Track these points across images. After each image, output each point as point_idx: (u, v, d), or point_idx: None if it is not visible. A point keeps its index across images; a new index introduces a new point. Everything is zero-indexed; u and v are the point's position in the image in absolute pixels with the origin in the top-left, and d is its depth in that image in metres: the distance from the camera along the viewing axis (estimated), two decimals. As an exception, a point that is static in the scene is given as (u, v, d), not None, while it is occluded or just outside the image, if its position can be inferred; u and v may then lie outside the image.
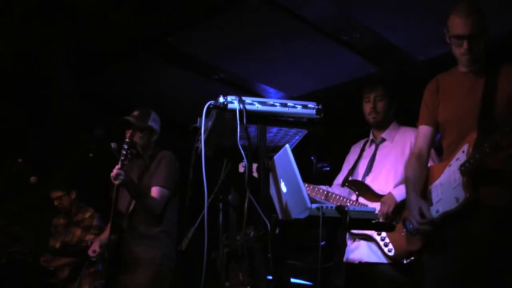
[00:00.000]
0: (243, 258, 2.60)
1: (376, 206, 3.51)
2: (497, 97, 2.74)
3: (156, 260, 3.79)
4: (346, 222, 2.36)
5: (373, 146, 3.83)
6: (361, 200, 3.62)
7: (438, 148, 3.23)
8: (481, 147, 2.58)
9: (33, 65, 5.35)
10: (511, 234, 2.63)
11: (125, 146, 3.73)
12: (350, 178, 3.81)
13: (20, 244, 5.40)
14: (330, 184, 4.00)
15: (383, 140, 3.79)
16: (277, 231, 2.45)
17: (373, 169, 3.73)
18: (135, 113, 4.04)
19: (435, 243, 2.79)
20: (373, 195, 3.59)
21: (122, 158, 3.67)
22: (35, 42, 5.00)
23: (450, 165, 2.76)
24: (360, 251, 3.57)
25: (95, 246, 3.99)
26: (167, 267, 3.86)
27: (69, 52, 5.20)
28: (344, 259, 3.71)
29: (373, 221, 2.51)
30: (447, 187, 2.74)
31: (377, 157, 3.76)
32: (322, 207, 2.34)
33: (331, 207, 2.37)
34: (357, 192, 3.66)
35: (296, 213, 2.44)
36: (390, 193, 3.52)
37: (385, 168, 3.68)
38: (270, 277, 2.45)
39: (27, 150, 5.86)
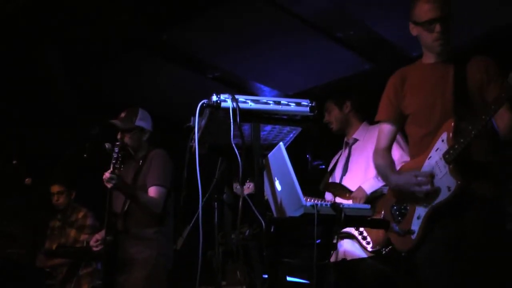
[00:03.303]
0: (238, 256, 2.59)
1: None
2: (468, 86, 2.73)
3: (152, 260, 3.78)
4: (341, 219, 2.36)
5: (347, 148, 3.92)
6: (338, 200, 3.66)
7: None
8: (465, 131, 2.55)
9: (27, 64, 5.33)
10: (498, 227, 2.65)
11: (116, 149, 3.71)
12: (328, 182, 3.89)
13: (16, 245, 5.39)
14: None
15: (356, 140, 3.88)
16: (272, 229, 2.45)
17: (349, 168, 3.81)
18: (122, 114, 4.01)
19: (428, 242, 2.72)
20: (349, 193, 3.63)
21: (114, 161, 3.65)
22: (28, 41, 4.98)
23: (430, 157, 2.72)
24: (344, 248, 3.62)
25: (97, 236, 3.96)
26: (163, 266, 3.85)
27: (64, 51, 5.19)
28: (332, 259, 3.72)
29: (369, 218, 2.51)
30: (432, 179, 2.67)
31: (351, 156, 3.85)
32: (317, 204, 2.34)
33: (326, 204, 2.37)
34: (334, 193, 3.70)
35: (291, 211, 2.44)
36: (359, 187, 3.58)
37: (360, 164, 3.75)
38: (266, 276, 2.45)
39: (22, 151, 5.84)
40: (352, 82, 5.46)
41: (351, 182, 3.70)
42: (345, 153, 3.92)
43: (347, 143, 3.94)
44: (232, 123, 2.41)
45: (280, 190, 2.54)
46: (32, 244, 5.60)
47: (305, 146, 5.35)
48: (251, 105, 2.49)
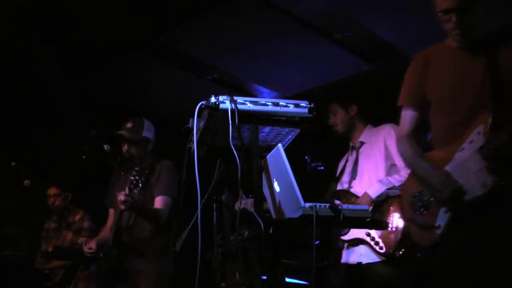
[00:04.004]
0: (237, 258, 2.59)
1: None
2: (502, 76, 2.60)
3: (156, 272, 3.79)
4: (339, 221, 2.36)
5: (354, 152, 3.90)
6: None
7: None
8: (507, 127, 2.42)
9: (27, 64, 5.34)
10: None
11: (135, 173, 3.66)
12: (336, 189, 3.88)
13: (16, 246, 5.39)
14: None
15: (362, 143, 3.86)
16: (271, 231, 2.45)
17: (357, 172, 3.79)
18: (129, 125, 4.00)
19: (451, 238, 2.57)
20: (356, 200, 3.63)
21: (131, 185, 3.62)
22: (28, 41, 4.99)
23: (463, 148, 2.56)
24: (358, 252, 3.61)
25: (92, 244, 3.97)
26: (166, 276, 3.87)
27: (64, 51, 5.19)
28: (344, 261, 3.73)
29: (367, 219, 2.51)
30: (463, 172, 2.52)
31: (359, 161, 3.82)
32: (315, 206, 2.34)
33: (325, 206, 2.37)
34: (342, 200, 3.70)
35: (290, 212, 2.44)
36: (365, 193, 3.56)
37: (368, 169, 3.73)
38: (265, 277, 2.45)
39: (22, 152, 5.84)
40: (352, 83, 5.47)
41: (361, 187, 3.69)
42: (352, 157, 3.90)
43: (353, 147, 3.92)
44: (230, 125, 2.41)
45: (279, 192, 2.54)
46: (31, 246, 5.59)
47: (303, 147, 5.35)
48: (249, 106, 2.49)
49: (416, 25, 4.63)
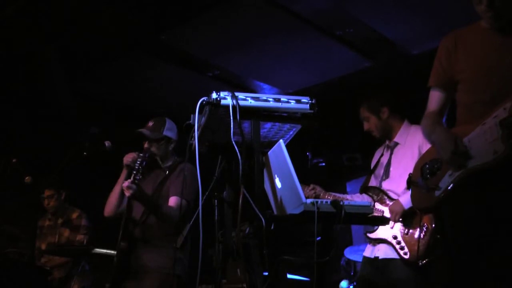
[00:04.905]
0: (238, 254, 2.59)
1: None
2: None
3: (165, 269, 3.76)
4: (341, 217, 2.35)
5: (389, 151, 3.84)
6: (377, 205, 3.62)
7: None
8: None
9: (27, 64, 5.34)
10: None
11: (139, 161, 3.68)
12: (368, 185, 3.84)
13: (18, 244, 5.38)
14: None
15: (396, 144, 3.79)
16: (272, 227, 2.45)
17: (390, 173, 3.75)
18: (150, 124, 4.02)
19: (453, 209, 2.57)
20: (389, 200, 3.62)
21: (134, 172, 3.62)
22: (28, 42, 4.99)
23: (485, 123, 2.52)
24: (379, 248, 3.60)
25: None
26: (176, 275, 3.83)
27: (64, 51, 5.19)
28: (366, 255, 3.72)
29: (369, 215, 2.51)
30: (479, 142, 2.49)
31: (392, 161, 3.77)
32: (317, 202, 2.33)
33: (326, 202, 2.36)
34: (374, 198, 3.69)
35: (291, 209, 2.44)
36: (397, 201, 3.54)
37: (399, 171, 3.68)
38: (266, 273, 2.45)
39: (22, 150, 5.84)
40: (352, 80, 5.47)
41: (390, 188, 3.68)
42: (386, 155, 3.85)
43: (388, 146, 3.85)
44: (232, 121, 2.41)
45: (280, 188, 2.54)
46: (33, 244, 5.59)
47: (305, 143, 5.34)
48: (251, 102, 2.49)
49: (417, 22, 4.64)
